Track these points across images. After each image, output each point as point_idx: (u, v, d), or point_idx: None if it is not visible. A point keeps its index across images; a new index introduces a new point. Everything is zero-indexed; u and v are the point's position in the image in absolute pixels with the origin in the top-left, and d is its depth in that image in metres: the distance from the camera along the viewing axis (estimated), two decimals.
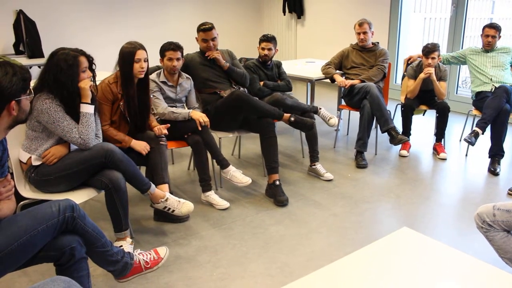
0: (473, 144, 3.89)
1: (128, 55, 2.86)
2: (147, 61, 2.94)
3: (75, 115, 2.50)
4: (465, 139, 3.92)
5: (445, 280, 1.33)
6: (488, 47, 4.37)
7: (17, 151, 2.56)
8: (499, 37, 4.35)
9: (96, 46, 6.84)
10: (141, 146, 2.91)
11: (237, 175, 3.33)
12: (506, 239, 2.10)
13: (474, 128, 3.93)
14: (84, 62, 2.48)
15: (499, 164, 3.98)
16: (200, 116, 3.27)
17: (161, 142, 2.97)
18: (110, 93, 2.88)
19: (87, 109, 2.50)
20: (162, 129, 3.04)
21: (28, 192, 2.52)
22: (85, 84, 2.49)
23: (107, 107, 2.88)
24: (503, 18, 7.79)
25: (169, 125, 3.10)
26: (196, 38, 3.77)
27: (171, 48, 3.28)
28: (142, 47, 2.92)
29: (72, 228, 1.93)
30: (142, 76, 2.93)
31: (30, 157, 2.49)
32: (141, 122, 3.04)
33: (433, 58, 4.18)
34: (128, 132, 2.99)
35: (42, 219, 1.82)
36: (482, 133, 3.91)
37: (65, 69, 2.40)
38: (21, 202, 2.46)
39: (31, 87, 1.90)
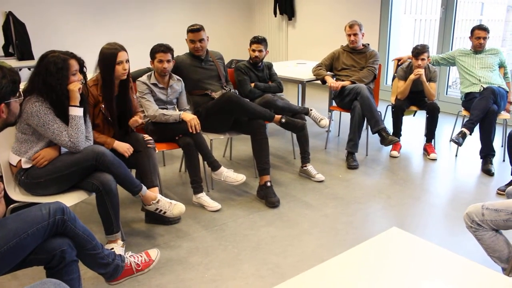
0: (460, 145, 3.93)
1: (109, 58, 2.82)
2: (128, 61, 2.91)
3: (65, 118, 2.49)
4: (452, 140, 3.95)
5: (434, 279, 1.35)
6: (480, 49, 4.41)
7: (6, 154, 2.54)
8: (488, 38, 4.40)
9: (87, 48, 6.78)
10: (124, 148, 2.86)
11: (231, 175, 3.34)
12: (494, 238, 2.13)
13: (462, 128, 3.97)
14: (74, 65, 2.47)
15: (492, 164, 4.02)
16: (191, 118, 3.26)
17: (148, 145, 2.94)
18: (91, 96, 2.84)
19: (76, 112, 2.49)
20: (137, 120, 3.00)
21: (18, 195, 2.50)
22: (74, 86, 2.47)
23: (89, 110, 2.85)
24: (492, 19, 7.88)
25: (141, 113, 3.07)
26: (186, 39, 3.78)
27: (161, 50, 3.27)
28: (122, 48, 2.87)
29: (62, 231, 1.92)
30: (125, 77, 2.89)
31: (20, 160, 2.47)
32: (124, 124, 3.01)
33: (422, 59, 4.22)
34: (113, 135, 2.96)
35: (32, 222, 1.81)
36: (470, 134, 3.95)
37: (54, 72, 2.39)
38: (11, 205, 2.45)
39: (20, 90, 1.89)
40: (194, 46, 3.70)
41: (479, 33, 4.38)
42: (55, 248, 1.87)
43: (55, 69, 2.39)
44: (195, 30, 3.67)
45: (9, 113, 1.83)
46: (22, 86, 2.42)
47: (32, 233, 1.79)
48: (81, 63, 2.53)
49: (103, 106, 2.88)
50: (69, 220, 1.93)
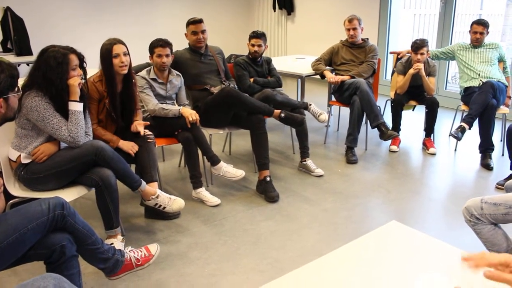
0: (459, 139, 3.93)
1: (106, 52, 2.82)
2: (128, 54, 2.88)
3: (65, 113, 2.49)
4: (451, 134, 3.96)
5: (432, 272, 1.35)
6: (477, 43, 4.40)
7: (6, 149, 2.54)
8: (487, 33, 4.39)
9: (86, 43, 6.76)
10: (128, 146, 2.88)
11: (230, 170, 3.33)
12: (493, 232, 2.13)
13: (461, 123, 3.97)
14: (74, 60, 2.47)
15: (491, 158, 4.02)
16: (190, 113, 3.26)
17: (148, 140, 2.94)
18: (96, 92, 2.85)
19: (76, 106, 2.49)
20: (138, 127, 2.95)
21: (17, 191, 2.50)
22: (74, 81, 2.47)
23: (94, 106, 2.85)
24: (492, 14, 7.87)
25: (148, 122, 3.06)
26: (185, 34, 3.77)
27: (160, 45, 3.27)
28: (119, 41, 2.86)
29: (62, 226, 1.93)
30: (125, 71, 2.87)
31: (20, 155, 2.47)
32: (127, 120, 3.01)
33: (422, 53, 4.21)
34: (116, 130, 2.97)
35: (31, 217, 1.81)
36: (469, 128, 3.95)
37: (54, 67, 2.39)
38: (11, 201, 2.45)
39: (19, 85, 1.89)
40: (197, 38, 3.70)
41: (476, 27, 4.37)
42: (55, 243, 1.88)
43: (55, 64, 2.39)
44: (196, 22, 3.69)
45: (7, 108, 1.83)
46: (21, 81, 2.42)
47: (32, 228, 1.79)
48: (81, 58, 2.53)
49: (107, 101, 2.88)
50: (69, 215, 1.93)
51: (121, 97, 2.93)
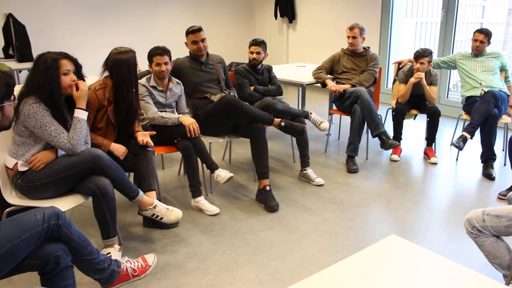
0: (461, 149, 3.91)
1: (134, 62, 2.86)
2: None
3: (62, 120, 2.47)
4: (453, 144, 3.93)
5: None
6: (476, 51, 4.39)
7: (3, 156, 2.52)
8: (489, 43, 4.37)
9: (87, 50, 6.81)
10: (120, 151, 2.85)
11: (221, 174, 3.30)
12: (495, 245, 2.10)
13: (462, 132, 3.94)
14: (65, 64, 2.44)
15: (493, 168, 3.99)
16: (190, 123, 3.24)
17: (148, 149, 2.92)
18: (96, 100, 2.83)
19: (82, 114, 2.48)
20: (145, 139, 2.94)
21: (14, 199, 2.48)
22: (84, 86, 2.48)
23: (91, 114, 2.83)
24: (493, 22, 7.87)
25: (154, 132, 3.05)
26: (185, 43, 3.76)
27: (158, 53, 3.26)
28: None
29: (57, 236, 1.90)
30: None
31: (17, 163, 2.45)
32: (130, 128, 3.00)
33: (422, 63, 4.20)
34: (117, 138, 2.94)
35: (26, 227, 1.79)
36: (471, 138, 3.92)
37: (43, 71, 2.37)
38: (7, 209, 2.43)
39: (15, 93, 1.88)
40: (198, 47, 3.69)
41: (477, 35, 4.37)
42: (50, 254, 1.85)
43: (43, 68, 2.37)
44: (196, 31, 3.67)
45: (2, 117, 1.81)
46: (20, 88, 2.40)
47: (26, 238, 1.77)
48: (76, 64, 2.51)
49: (109, 109, 2.86)
50: (64, 225, 1.91)
51: (134, 104, 2.95)
